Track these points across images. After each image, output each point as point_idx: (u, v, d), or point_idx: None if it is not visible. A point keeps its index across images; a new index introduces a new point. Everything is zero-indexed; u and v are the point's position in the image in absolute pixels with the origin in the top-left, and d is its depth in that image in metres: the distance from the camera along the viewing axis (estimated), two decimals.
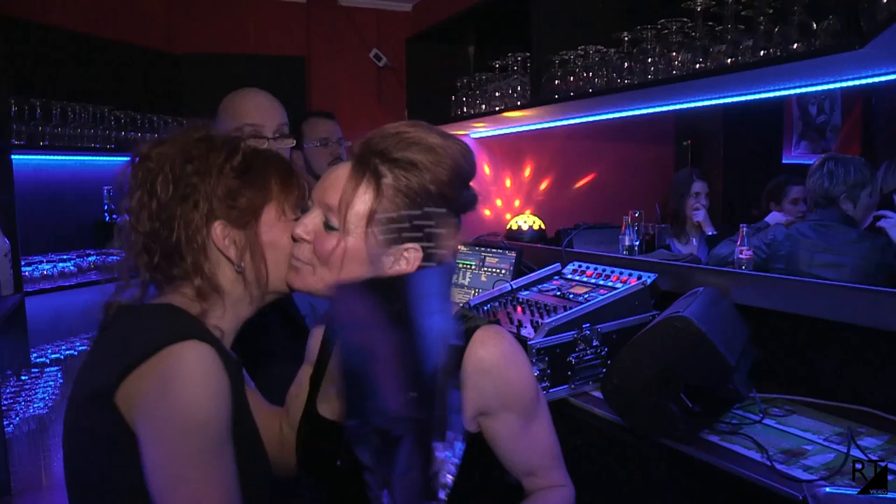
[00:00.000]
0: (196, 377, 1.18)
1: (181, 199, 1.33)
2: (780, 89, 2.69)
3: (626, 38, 2.79)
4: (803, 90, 2.61)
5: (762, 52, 2.16)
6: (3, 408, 2.34)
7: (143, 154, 1.37)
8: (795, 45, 2.07)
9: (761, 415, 2.28)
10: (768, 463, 1.93)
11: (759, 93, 2.74)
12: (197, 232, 1.33)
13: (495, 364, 1.41)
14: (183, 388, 1.16)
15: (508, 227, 4.45)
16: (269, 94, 2.36)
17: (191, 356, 1.18)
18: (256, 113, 2.27)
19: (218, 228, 1.35)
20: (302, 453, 1.55)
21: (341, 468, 1.40)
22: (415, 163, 1.35)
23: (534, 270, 3.34)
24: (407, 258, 1.37)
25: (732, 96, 2.87)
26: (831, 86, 2.53)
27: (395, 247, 1.36)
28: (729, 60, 2.29)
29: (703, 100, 3.02)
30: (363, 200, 1.35)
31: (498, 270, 3.70)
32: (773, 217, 3.97)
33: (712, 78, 2.40)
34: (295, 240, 1.41)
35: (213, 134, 1.42)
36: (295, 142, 2.40)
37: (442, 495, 1.05)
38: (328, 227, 1.37)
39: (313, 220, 1.39)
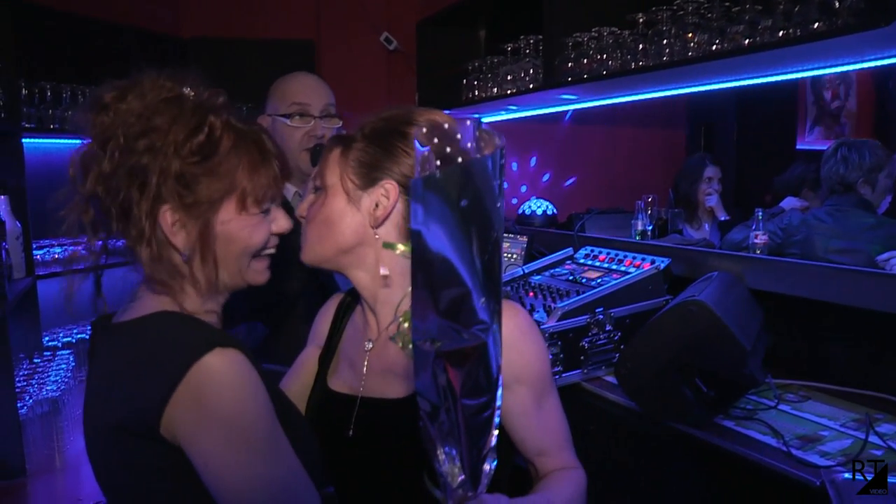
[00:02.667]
0: (231, 387, 1.14)
1: (128, 174, 1.20)
2: (798, 71, 2.64)
3: (640, 20, 2.74)
4: (823, 72, 2.58)
5: (781, 33, 2.12)
6: (17, 390, 2.35)
7: (104, 103, 1.24)
8: (816, 25, 2.02)
9: (776, 400, 2.27)
10: (784, 448, 1.92)
11: (777, 75, 2.69)
12: (142, 212, 1.21)
13: (510, 336, 1.37)
14: (223, 403, 1.13)
15: (520, 211, 4.42)
16: (317, 76, 2.49)
17: (219, 367, 1.14)
18: (303, 93, 2.36)
19: (167, 214, 1.22)
20: (315, 422, 1.55)
21: (353, 438, 1.48)
22: (382, 118, 1.46)
23: (545, 255, 3.32)
24: (385, 194, 1.41)
25: (749, 79, 2.82)
26: (851, 67, 2.48)
27: (371, 187, 1.42)
28: (746, 41, 2.24)
29: (718, 82, 2.98)
30: (334, 155, 1.46)
31: (509, 255, 3.68)
32: (789, 202, 3.92)
33: (729, 59, 2.35)
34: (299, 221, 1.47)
35: (186, 95, 1.26)
36: (341, 122, 2.46)
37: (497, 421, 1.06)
38: (315, 191, 1.48)
39: (308, 198, 1.49)
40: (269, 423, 1.18)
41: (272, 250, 1.39)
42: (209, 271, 1.27)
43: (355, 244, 1.44)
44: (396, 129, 1.43)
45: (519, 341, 1.43)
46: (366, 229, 1.43)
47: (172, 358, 1.14)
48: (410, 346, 1.02)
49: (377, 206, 1.42)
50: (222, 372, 1.14)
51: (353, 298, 1.66)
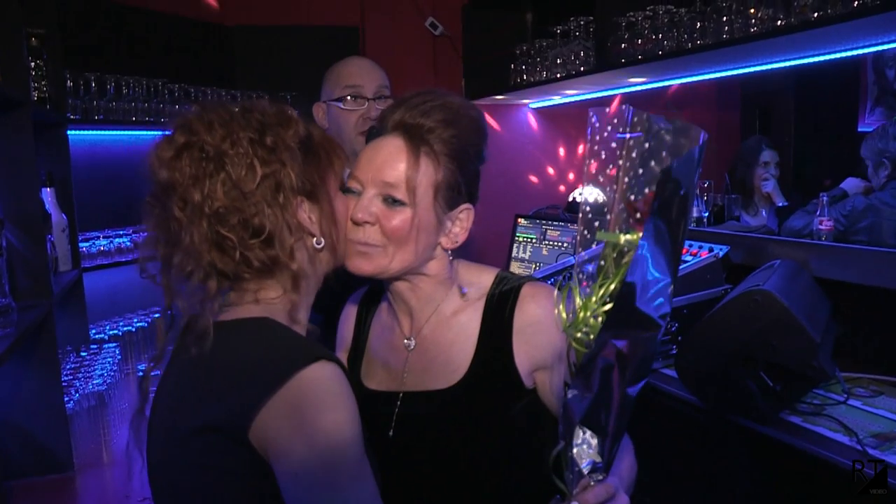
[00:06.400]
0: (332, 402, 1.10)
1: (264, 180, 1.18)
2: (872, 45, 2.50)
3: None
4: None
5: (855, 3, 1.99)
6: (64, 384, 2.34)
7: (185, 143, 1.18)
8: None
9: (845, 395, 2.17)
10: (859, 447, 1.83)
11: (847, 50, 2.56)
12: (285, 214, 1.20)
13: (548, 316, 1.41)
14: (322, 417, 1.08)
15: (571, 198, 4.33)
16: (371, 60, 2.51)
17: (322, 380, 1.10)
18: (355, 75, 2.36)
19: (303, 205, 1.24)
20: None
21: (394, 437, 1.47)
22: (452, 124, 1.41)
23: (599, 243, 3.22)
24: (461, 219, 1.46)
25: (813, 56, 2.69)
26: None
27: (452, 210, 1.44)
28: (815, 15, 2.12)
29: (780, 61, 2.85)
30: (426, 172, 1.39)
31: (560, 244, 3.60)
32: (850, 183, 3.74)
33: (794, 35, 2.24)
34: (357, 223, 1.38)
35: (248, 105, 1.26)
36: None
37: None
38: (393, 203, 1.38)
39: (371, 201, 1.39)
40: (360, 446, 1.13)
41: None
42: (341, 244, 1.33)
43: (427, 259, 1.46)
44: (472, 146, 1.45)
45: None
46: (437, 246, 1.46)
47: (274, 363, 1.10)
48: (587, 337, 1.14)
49: (451, 225, 1.46)
50: (325, 385, 1.10)
51: (374, 298, 1.66)
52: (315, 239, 1.27)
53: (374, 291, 1.65)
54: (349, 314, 1.68)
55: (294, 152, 1.21)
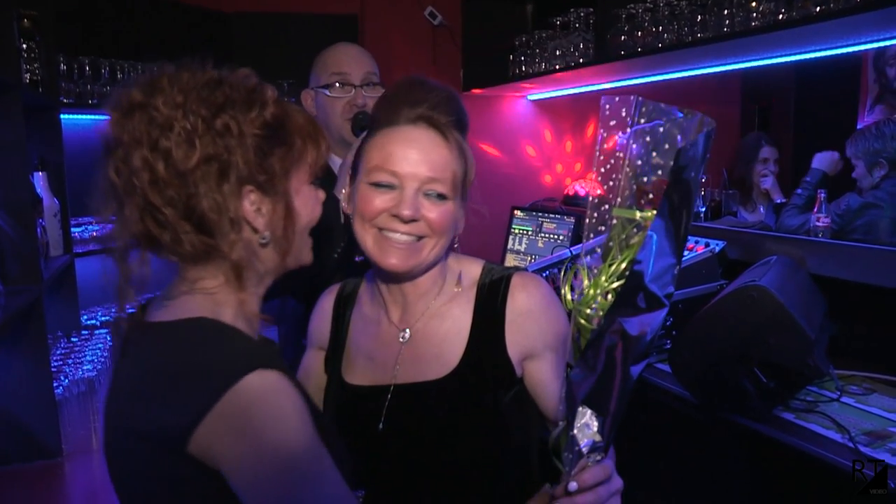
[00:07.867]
0: (275, 412, 1.04)
1: (205, 162, 1.09)
2: (873, 41, 2.47)
3: None
4: None
5: None
6: (53, 370, 2.32)
7: (140, 102, 1.10)
8: None
9: (838, 393, 2.17)
10: (851, 445, 1.82)
11: (848, 46, 2.53)
12: (227, 202, 1.11)
13: (538, 305, 1.49)
14: (268, 428, 1.03)
15: (567, 191, 4.31)
16: (358, 46, 2.49)
17: (262, 390, 1.04)
18: (342, 62, 2.34)
19: (251, 196, 1.14)
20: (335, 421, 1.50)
21: (383, 431, 1.46)
22: (459, 115, 1.50)
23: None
24: (464, 207, 1.51)
25: (814, 51, 2.66)
26: None
27: (465, 200, 1.50)
28: (817, 9, 2.10)
29: (781, 56, 2.82)
30: (459, 164, 1.45)
31: (556, 236, 3.59)
32: (822, 160, 3.64)
33: (796, 30, 2.21)
34: (405, 221, 1.39)
35: (224, 76, 1.17)
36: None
37: None
38: (436, 197, 1.41)
39: (415, 196, 1.40)
40: (315, 445, 1.08)
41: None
42: (295, 243, 1.22)
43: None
44: (465, 135, 1.52)
45: (547, 309, 1.49)
46: None
47: (209, 376, 1.04)
48: (597, 314, 1.17)
49: (462, 213, 1.50)
50: (265, 396, 1.04)
51: (351, 293, 1.63)
52: (259, 235, 1.17)
53: (349, 285, 1.64)
54: (323, 310, 1.64)
55: (246, 138, 1.12)
